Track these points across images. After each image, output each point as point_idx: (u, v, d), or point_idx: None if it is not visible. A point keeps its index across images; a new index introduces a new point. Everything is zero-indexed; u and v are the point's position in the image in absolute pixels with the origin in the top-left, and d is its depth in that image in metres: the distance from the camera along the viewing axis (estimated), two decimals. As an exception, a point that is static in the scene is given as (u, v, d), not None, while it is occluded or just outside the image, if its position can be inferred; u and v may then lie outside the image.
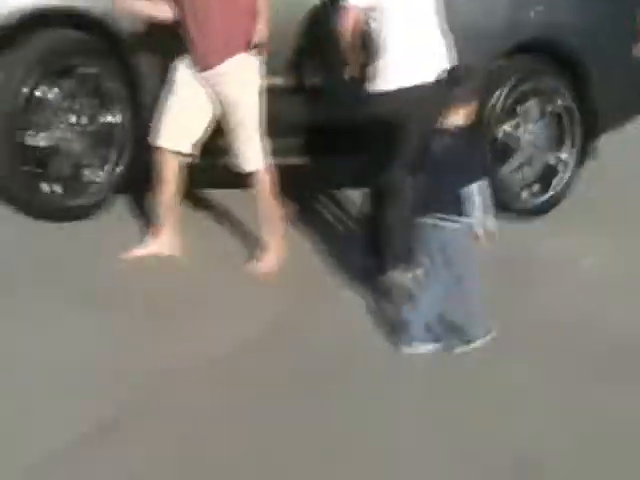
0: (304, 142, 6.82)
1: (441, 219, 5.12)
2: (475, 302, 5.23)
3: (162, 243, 6.01)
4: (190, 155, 6.02)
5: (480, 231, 5.07)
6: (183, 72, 5.96)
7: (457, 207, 5.09)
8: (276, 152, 6.41)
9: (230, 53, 5.87)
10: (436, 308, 5.25)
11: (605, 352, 5.38)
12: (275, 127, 6.32)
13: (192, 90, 5.96)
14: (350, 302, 5.69)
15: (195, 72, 5.94)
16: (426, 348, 5.19)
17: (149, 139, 6.00)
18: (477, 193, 5.07)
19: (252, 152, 6.04)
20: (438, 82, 5.62)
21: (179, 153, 5.98)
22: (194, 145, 5.99)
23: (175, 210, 6.05)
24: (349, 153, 6.62)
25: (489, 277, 5.46)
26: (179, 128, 5.96)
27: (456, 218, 5.10)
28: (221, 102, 5.97)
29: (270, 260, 6.08)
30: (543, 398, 4.82)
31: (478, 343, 5.19)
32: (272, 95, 6.28)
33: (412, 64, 5.81)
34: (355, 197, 7.00)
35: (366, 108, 5.99)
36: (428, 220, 5.17)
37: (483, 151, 6.50)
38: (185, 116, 5.96)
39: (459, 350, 5.19)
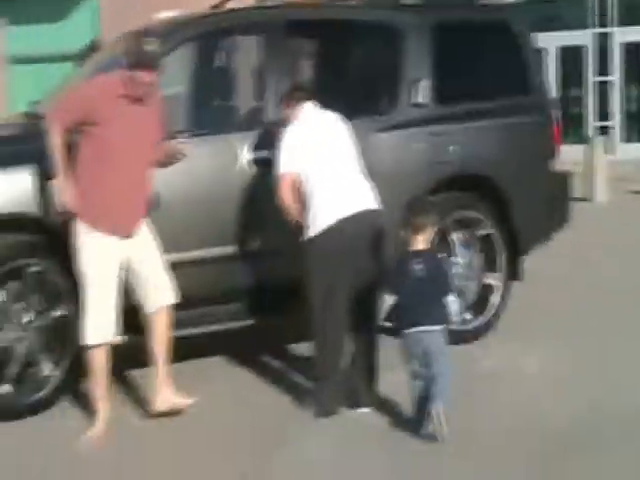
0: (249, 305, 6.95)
1: (424, 329, 5.72)
2: (445, 397, 5.69)
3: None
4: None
5: None
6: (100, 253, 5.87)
7: (438, 315, 5.83)
8: (223, 317, 6.76)
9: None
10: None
11: (554, 451, 5.49)
12: (220, 294, 6.65)
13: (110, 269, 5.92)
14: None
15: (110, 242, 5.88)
16: None
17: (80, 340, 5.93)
18: (454, 300, 6.07)
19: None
20: (370, 215, 6.10)
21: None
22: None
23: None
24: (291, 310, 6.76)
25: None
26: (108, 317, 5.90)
27: (437, 326, 5.79)
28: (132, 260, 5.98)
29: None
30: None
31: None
32: (217, 264, 6.64)
33: (336, 206, 6.05)
34: (301, 350, 7.17)
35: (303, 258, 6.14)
36: (413, 331, 5.74)
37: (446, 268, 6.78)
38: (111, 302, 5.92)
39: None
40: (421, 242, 5.91)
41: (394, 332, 6.42)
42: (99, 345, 5.87)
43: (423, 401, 5.73)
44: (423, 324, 5.77)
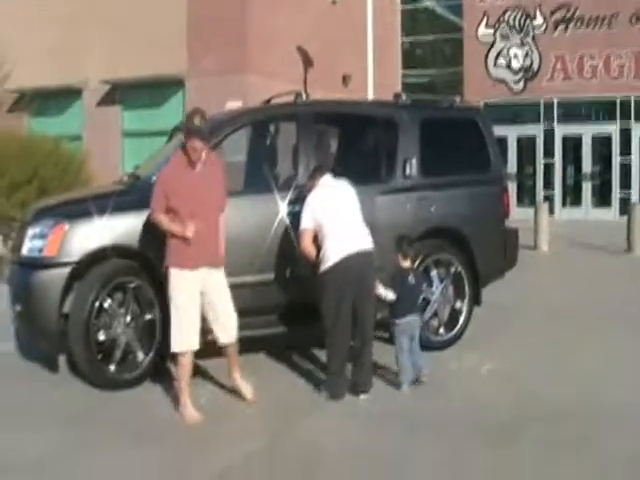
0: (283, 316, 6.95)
1: (412, 317, 6.46)
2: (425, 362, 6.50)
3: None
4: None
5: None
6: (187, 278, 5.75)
7: (419, 309, 6.74)
8: (263, 325, 6.75)
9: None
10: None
11: (498, 425, 5.56)
12: (261, 308, 6.67)
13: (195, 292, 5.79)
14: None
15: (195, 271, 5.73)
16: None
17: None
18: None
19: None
20: (367, 253, 6.14)
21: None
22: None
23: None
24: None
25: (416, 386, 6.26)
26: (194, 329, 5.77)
27: (418, 315, 6.63)
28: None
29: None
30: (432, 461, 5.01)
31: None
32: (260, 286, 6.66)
33: (342, 247, 6.08)
34: (320, 354, 7.09)
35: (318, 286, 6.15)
36: (407, 319, 6.41)
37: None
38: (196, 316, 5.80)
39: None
40: (409, 263, 6.57)
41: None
42: (184, 352, 5.78)
43: (408, 368, 6.32)
44: (413, 314, 6.46)
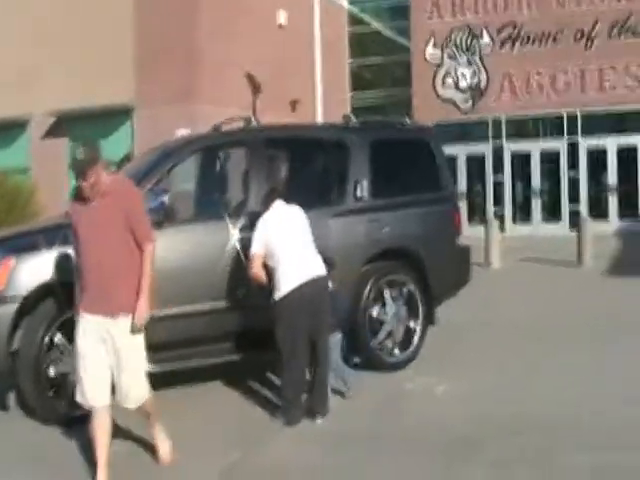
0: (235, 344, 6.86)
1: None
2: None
3: None
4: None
5: None
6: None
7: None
8: (215, 353, 6.66)
9: None
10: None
11: (453, 443, 5.56)
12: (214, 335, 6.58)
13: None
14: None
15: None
16: None
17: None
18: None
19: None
20: (320, 278, 6.13)
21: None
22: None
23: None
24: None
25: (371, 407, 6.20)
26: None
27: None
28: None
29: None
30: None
31: None
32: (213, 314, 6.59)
33: (295, 274, 6.06)
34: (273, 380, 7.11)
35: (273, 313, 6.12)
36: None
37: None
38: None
39: None
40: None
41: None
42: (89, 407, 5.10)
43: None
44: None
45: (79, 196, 5.15)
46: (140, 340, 5.10)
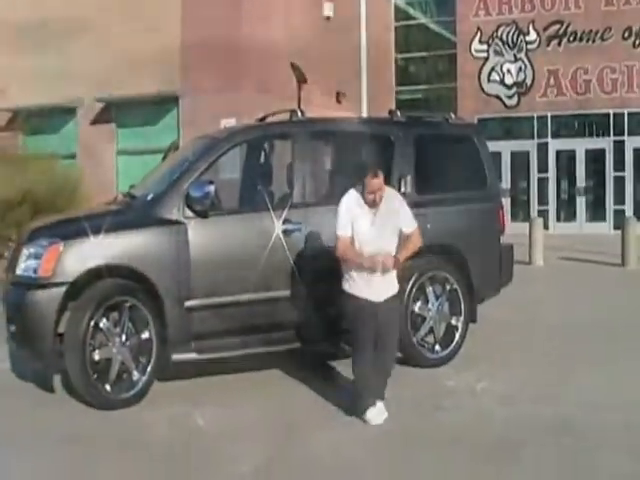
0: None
1: None
2: None
3: None
4: None
5: None
6: None
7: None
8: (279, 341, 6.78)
9: None
10: None
11: (495, 443, 5.54)
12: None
13: None
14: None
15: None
16: None
17: None
18: None
19: None
20: None
21: None
22: None
23: None
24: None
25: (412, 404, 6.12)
26: None
27: None
28: None
29: None
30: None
31: None
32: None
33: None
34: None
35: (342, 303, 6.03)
36: None
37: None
38: None
39: None
40: None
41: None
42: None
43: None
44: None
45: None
46: None
